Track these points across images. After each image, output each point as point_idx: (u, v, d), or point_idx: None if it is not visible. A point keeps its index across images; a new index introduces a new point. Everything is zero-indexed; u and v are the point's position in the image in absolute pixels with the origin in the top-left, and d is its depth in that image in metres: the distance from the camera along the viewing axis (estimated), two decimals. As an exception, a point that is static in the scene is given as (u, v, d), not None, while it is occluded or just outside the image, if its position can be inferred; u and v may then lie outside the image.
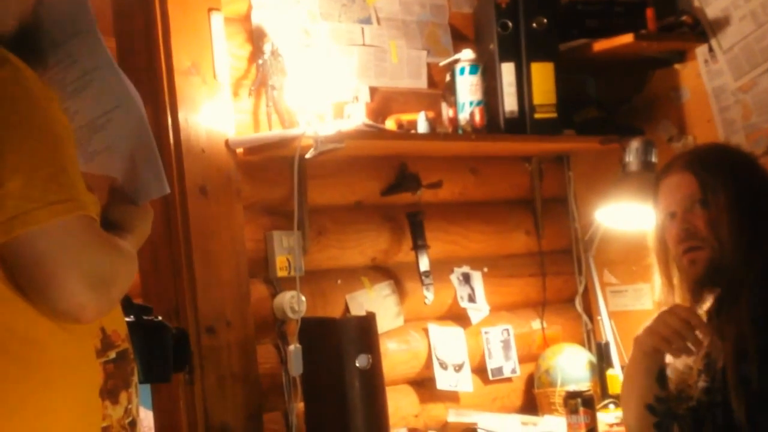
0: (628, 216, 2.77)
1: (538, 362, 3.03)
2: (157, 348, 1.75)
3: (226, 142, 2.50)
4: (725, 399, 1.89)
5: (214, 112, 2.48)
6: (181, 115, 2.43)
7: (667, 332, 1.92)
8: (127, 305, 1.61)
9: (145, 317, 1.75)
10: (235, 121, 2.53)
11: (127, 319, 1.53)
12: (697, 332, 1.91)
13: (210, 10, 2.49)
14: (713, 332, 1.95)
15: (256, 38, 2.57)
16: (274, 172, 2.58)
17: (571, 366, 2.98)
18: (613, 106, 3.14)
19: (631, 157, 2.80)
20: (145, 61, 2.49)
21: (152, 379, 1.77)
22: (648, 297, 3.00)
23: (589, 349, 3.13)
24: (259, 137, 2.52)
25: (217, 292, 2.46)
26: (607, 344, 3.05)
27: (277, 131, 2.53)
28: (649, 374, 2.00)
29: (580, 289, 3.21)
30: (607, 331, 3.08)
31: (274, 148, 2.50)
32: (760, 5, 2.85)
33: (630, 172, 2.79)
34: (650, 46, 2.94)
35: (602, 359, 3.03)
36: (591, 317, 3.20)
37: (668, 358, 2.01)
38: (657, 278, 2.11)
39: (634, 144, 2.81)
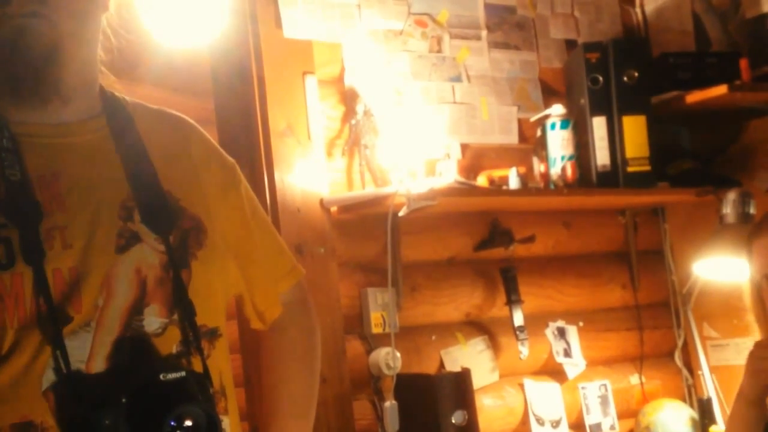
0: (727, 269, 2.72)
1: (638, 418, 2.98)
2: None
3: (321, 201, 2.55)
4: None
5: (308, 172, 2.54)
6: (277, 176, 2.50)
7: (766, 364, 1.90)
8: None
9: None
10: (329, 181, 2.58)
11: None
12: None
13: (304, 73, 2.56)
14: None
15: (348, 99, 2.63)
16: (367, 230, 2.62)
17: (672, 422, 2.92)
18: (708, 156, 3.10)
19: (728, 208, 2.75)
20: (243, 123, 2.57)
21: None
22: (750, 351, 2.93)
23: (691, 405, 3.06)
24: (352, 196, 2.57)
25: (313, 349, 2.49)
26: (709, 400, 2.98)
27: (370, 190, 2.58)
28: (755, 427, 1.95)
29: (680, 343, 3.15)
30: (709, 386, 3.02)
31: (368, 206, 2.54)
32: None
33: (727, 224, 2.74)
34: (745, 96, 2.90)
35: (704, 415, 2.95)
36: (691, 372, 3.13)
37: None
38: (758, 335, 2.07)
39: (731, 195, 2.76)
